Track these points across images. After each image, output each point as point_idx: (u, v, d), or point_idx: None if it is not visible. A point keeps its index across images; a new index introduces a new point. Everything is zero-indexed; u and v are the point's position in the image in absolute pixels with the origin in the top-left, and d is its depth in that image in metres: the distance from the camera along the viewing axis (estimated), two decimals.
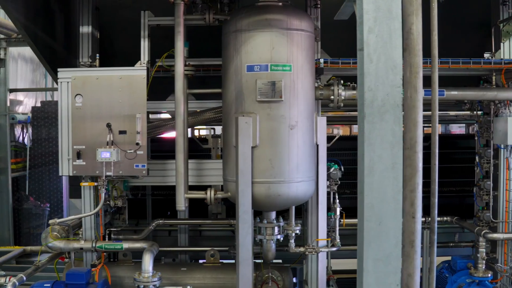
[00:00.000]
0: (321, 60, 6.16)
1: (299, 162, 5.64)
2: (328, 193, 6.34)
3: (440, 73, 6.53)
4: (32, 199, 9.94)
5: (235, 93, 5.67)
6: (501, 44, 6.56)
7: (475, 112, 6.93)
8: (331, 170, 6.26)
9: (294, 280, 8.35)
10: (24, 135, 10.94)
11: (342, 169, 6.49)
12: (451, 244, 7.55)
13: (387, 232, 3.96)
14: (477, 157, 6.73)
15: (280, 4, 5.74)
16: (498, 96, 6.21)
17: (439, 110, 8.79)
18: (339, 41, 6.91)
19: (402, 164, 4.18)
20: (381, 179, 3.94)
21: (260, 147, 5.57)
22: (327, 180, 6.27)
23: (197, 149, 7.83)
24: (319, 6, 6.32)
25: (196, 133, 10.82)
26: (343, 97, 5.99)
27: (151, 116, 7.24)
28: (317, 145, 5.93)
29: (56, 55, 7.21)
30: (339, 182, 6.38)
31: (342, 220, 6.37)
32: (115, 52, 8.29)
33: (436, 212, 5.16)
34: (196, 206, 7.54)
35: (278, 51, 5.55)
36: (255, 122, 5.54)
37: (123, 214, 7.94)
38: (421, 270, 8.25)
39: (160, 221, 7.03)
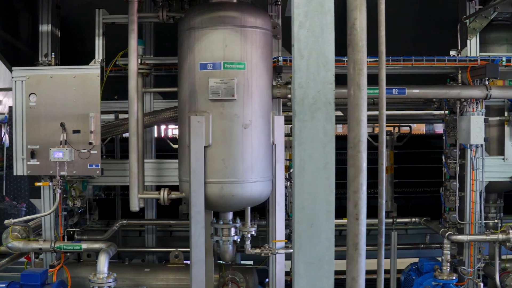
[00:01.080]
0: (280, 58, 6.04)
1: (253, 161, 5.52)
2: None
3: (404, 71, 6.44)
4: (8, 199, 9.91)
5: (189, 92, 5.57)
6: (468, 41, 6.40)
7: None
8: (291, 170, 6.12)
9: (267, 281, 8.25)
10: (3, 135, 10.92)
11: (290, 172, 6.37)
12: (422, 246, 7.40)
13: (319, 235, 3.83)
14: (443, 157, 6.57)
15: (235, 1, 5.63)
16: (461, 94, 6.05)
17: (414, 110, 8.64)
18: None
19: (347, 164, 4.08)
20: (312, 179, 3.81)
21: (213, 146, 5.46)
22: (288, 180, 6.15)
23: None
24: (279, 3, 6.20)
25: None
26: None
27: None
28: (274, 145, 5.80)
29: (20, 54, 7.15)
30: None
31: None
32: (86, 52, 8.23)
33: (383, 213, 5.02)
34: (167, 206, 7.48)
35: (232, 48, 5.44)
36: (207, 121, 5.43)
37: (94, 214, 7.90)
38: (387, 271, 8.17)
39: (124, 222, 6.96)
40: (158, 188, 6.04)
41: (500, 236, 6.12)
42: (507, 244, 6.10)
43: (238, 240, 5.91)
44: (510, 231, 6.11)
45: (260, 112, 5.58)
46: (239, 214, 5.96)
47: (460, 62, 6.17)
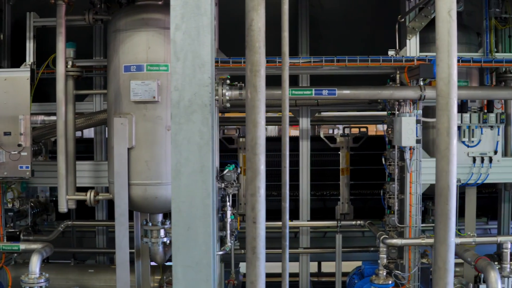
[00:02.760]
0: None
1: None
2: (225, 196, 6.21)
3: (341, 72, 6.34)
4: None
5: (114, 94, 5.59)
6: (407, 40, 6.26)
7: None
8: (225, 172, 6.09)
9: None
10: None
11: (239, 171, 6.34)
12: (372, 249, 7.28)
13: (196, 238, 3.82)
14: (383, 159, 6.44)
15: (160, 3, 5.63)
16: (394, 95, 5.91)
17: (358, 111, 8.48)
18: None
19: (247, 166, 4.05)
20: (189, 182, 3.80)
21: (137, 148, 5.47)
22: (222, 182, 6.12)
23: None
24: (216, 4, 6.17)
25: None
26: (227, 97, 5.82)
27: None
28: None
29: None
30: (234, 184, 6.21)
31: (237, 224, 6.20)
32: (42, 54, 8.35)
33: (287, 217, 4.98)
34: None
35: (155, 51, 5.44)
36: (131, 123, 5.44)
37: (51, 215, 8.00)
38: (317, 273, 8.02)
39: (69, 223, 7.03)
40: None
41: None
42: None
43: (168, 241, 5.90)
44: None
45: None
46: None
47: (396, 62, 6.03)
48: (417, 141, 5.85)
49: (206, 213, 3.79)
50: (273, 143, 8.53)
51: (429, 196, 7.05)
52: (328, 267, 7.48)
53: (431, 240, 6.01)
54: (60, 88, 5.73)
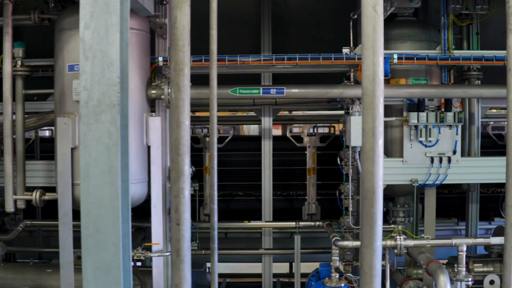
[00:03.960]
0: (160, 59, 5.95)
1: None
2: None
3: (297, 71, 6.23)
4: None
5: (59, 94, 5.57)
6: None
7: None
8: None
9: None
10: None
11: (193, 171, 6.28)
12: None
13: (106, 240, 3.74)
14: (338, 159, 6.32)
15: None
16: (344, 94, 5.80)
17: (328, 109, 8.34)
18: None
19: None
20: (97, 184, 3.72)
21: None
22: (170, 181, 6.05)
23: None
24: (165, 3, 6.11)
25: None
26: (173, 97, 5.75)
27: None
28: (149, 146, 5.73)
29: None
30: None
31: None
32: None
33: (215, 219, 4.90)
34: None
35: None
36: (74, 123, 5.41)
37: (18, 215, 8.02)
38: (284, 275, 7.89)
39: (28, 222, 7.03)
40: None
41: (388, 242, 5.84)
42: (395, 250, 5.82)
43: None
44: (398, 237, 5.82)
45: (131, 113, 5.48)
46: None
47: (348, 60, 5.92)
48: None
49: (115, 215, 3.71)
50: (249, 143, 8.50)
51: (390, 197, 6.92)
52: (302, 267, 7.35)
53: (383, 242, 5.87)
54: (7, 87, 5.70)
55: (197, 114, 8.63)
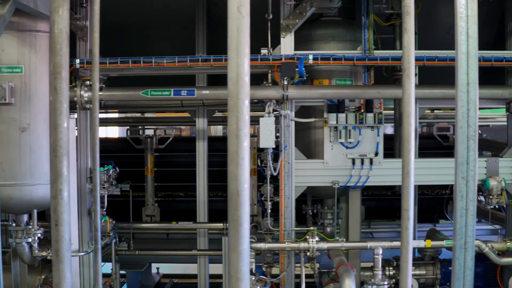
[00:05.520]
0: (77, 61, 6.01)
1: (32, 165, 5.54)
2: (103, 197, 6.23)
3: (212, 72, 6.22)
4: None
5: None
6: (282, 38, 6.08)
7: None
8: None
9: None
10: None
11: (117, 172, 6.35)
12: None
13: None
14: (258, 161, 6.28)
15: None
16: (255, 95, 5.75)
17: None
18: None
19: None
20: None
21: None
22: (90, 183, 6.12)
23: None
24: (84, 5, 6.17)
25: None
26: (86, 98, 5.84)
27: None
28: None
29: None
30: (106, 185, 6.20)
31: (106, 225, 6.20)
32: None
33: (98, 220, 4.92)
34: None
35: (8, 53, 5.50)
36: None
37: None
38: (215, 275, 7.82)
39: None
40: None
41: (301, 245, 5.79)
42: (308, 253, 5.76)
43: (35, 241, 5.93)
44: (311, 239, 5.76)
45: (41, 115, 5.59)
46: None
47: (263, 61, 5.89)
48: (277, 142, 5.68)
49: None
50: (192, 144, 8.49)
51: (318, 199, 6.87)
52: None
53: (296, 245, 5.85)
54: None
55: (146, 115, 8.69)
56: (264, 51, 6.07)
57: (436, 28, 7.78)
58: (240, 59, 4.05)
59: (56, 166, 4.11)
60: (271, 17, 5.99)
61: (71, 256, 4.22)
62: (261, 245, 5.89)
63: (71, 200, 5.82)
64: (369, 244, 5.81)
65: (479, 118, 8.87)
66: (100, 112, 8.70)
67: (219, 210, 7.82)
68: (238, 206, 4.08)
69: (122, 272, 7.83)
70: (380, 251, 5.77)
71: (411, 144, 4.24)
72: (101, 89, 5.87)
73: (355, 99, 5.99)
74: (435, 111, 8.87)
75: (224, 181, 8.17)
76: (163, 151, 7.99)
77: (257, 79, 6.42)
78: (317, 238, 5.78)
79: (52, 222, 4.13)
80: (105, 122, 8.58)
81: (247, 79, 4.05)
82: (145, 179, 7.86)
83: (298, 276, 6.82)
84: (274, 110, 5.89)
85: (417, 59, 5.81)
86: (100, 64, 6.03)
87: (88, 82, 5.85)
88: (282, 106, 5.89)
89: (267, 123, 5.62)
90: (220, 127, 11.88)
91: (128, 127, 8.11)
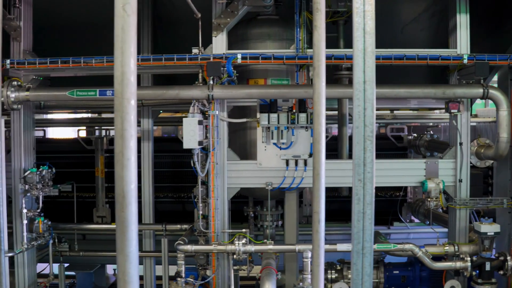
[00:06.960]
0: (7, 61, 5.99)
1: None
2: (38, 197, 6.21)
3: (148, 72, 6.14)
4: None
5: None
6: (213, 38, 5.99)
7: None
8: (27, 173, 6.07)
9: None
10: None
11: (53, 172, 6.33)
12: None
13: None
14: (191, 162, 6.17)
15: None
16: (180, 95, 5.67)
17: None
18: None
19: None
20: None
21: None
22: (25, 183, 6.10)
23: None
24: (17, 5, 6.15)
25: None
26: (12, 99, 5.81)
27: None
28: None
29: None
30: (39, 186, 6.16)
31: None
32: None
33: (1, 221, 4.86)
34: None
35: None
36: None
37: None
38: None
39: None
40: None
41: (228, 247, 5.69)
42: (235, 255, 5.65)
43: None
44: (237, 242, 5.66)
45: None
46: None
47: (191, 60, 5.80)
48: (199, 143, 5.58)
49: None
50: (165, 144, 8.45)
51: (259, 200, 6.75)
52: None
53: (223, 247, 5.75)
54: None
55: (103, 115, 8.65)
56: (195, 50, 5.99)
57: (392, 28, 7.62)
58: (125, 58, 3.91)
59: None
60: (199, 16, 5.90)
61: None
62: (188, 247, 5.81)
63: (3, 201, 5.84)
64: (298, 247, 5.69)
65: (432, 118, 8.71)
66: (52, 113, 8.77)
67: (169, 212, 7.77)
68: (124, 208, 3.94)
69: (71, 273, 7.80)
70: (309, 254, 5.61)
71: (321, 145, 4.12)
72: (28, 89, 5.84)
73: (282, 98, 5.87)
74: (395, 112, 8.70)
75: (174, 182, 8.17)
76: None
77: (193, 80, 6.37)
78: (243, 241, 5.67)
79: None
80: (59, 123, 8.57)
81: (132, 78, 3.92)
82: (96, 180, 7.82)
83: (244, 278, 6.73)
84: (202, 111, 5.80)
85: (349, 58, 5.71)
86: (34, 65, 6.08)
87: (15, 83, 5.83)
88: (210, 106, 5.80)
89: (190, 124, 5.52)
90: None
91: (78, 128, 8.08)
